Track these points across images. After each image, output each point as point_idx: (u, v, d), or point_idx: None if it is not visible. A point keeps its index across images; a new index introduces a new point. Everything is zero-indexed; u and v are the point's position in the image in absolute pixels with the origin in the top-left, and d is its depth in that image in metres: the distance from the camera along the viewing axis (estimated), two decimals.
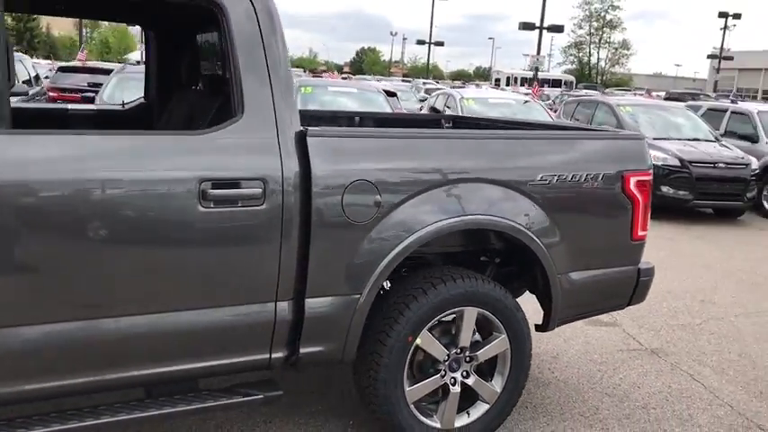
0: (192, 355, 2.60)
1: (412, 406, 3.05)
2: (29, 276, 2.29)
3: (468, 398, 3.20)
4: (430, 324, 3.01)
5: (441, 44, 53.50)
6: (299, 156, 2.64)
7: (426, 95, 21.48)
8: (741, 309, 5.82)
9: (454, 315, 3.08)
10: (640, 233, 3.47)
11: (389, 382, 2.96)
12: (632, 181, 3.38)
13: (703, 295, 6.14)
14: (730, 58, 53.47)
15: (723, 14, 49.89)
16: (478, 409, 3.22)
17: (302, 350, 2.77)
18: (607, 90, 46.71)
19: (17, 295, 2.27)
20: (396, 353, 2.94)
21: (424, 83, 40.00)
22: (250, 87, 2.61)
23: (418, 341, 3.00)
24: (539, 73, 36.19)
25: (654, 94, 35.83)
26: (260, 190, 2.55)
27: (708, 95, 43.13)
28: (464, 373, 3.16)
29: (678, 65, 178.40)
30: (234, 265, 2.58)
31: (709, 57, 56.02)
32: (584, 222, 3.33)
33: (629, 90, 50.95)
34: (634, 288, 3.57)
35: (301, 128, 2.69)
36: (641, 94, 32.08)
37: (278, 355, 2.74)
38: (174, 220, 2.45)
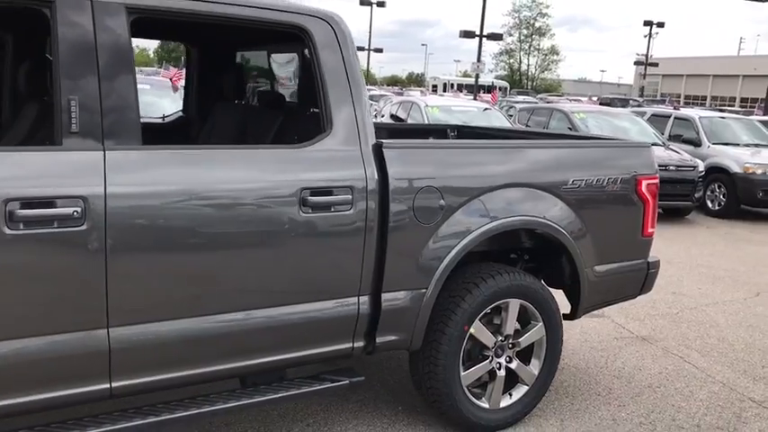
0: (289, 346, 2.87)
1: (465, 389, 3.40)
2: (171, 279, 2.55)
3: (511, 381, 3.56)
4: (481, 314, 3.36)
5: (380, 51, 54.12)
6: (377, 165, 2.96)
7: (373, 102, 21.78)
8: (709, 299, 6.38)
9: (500, 306, 3.43)
10: (650, 230, 3.91)
11: (448, 367, 3.29)
12: (644, 184, 3.81)
13: (674, 288, 6.68)
14: (655, 65, 55.83)
15: (648, 23, 52.01)
16: (519, 391, 3.59)
17: (378, 340, 3.08)
18: (540, 95, 48.16)
19: (165, 295, 2.53)
20: (454, 341, 3.28)
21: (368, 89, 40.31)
22: (336, 104, 2.91)
23: (472, 330, 3.34)
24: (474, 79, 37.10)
25: (594, 99, 37.16)
26: (349, 196, 2.85)
27: (636, 100, 44.99)
28: (507, 358, 3.52)
29: (603, 70, 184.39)
30: (326, 264, 2.87)
31: (636, 63, 58.32)
32: (606, 220, 3.73)
33: (561, 95, 52.69)
34: (644, 279, 4.01)
35: (377, 140, 3.01)
36: (575, 100, 33.27)
37: (359, 344, 3.05)
38: (280, 226, 2.73)
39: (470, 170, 3.23)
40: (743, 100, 65.02)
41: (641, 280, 4.00)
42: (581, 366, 4.51)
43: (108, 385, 2.51)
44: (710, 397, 4.17)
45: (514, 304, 3.45)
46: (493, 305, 3.39)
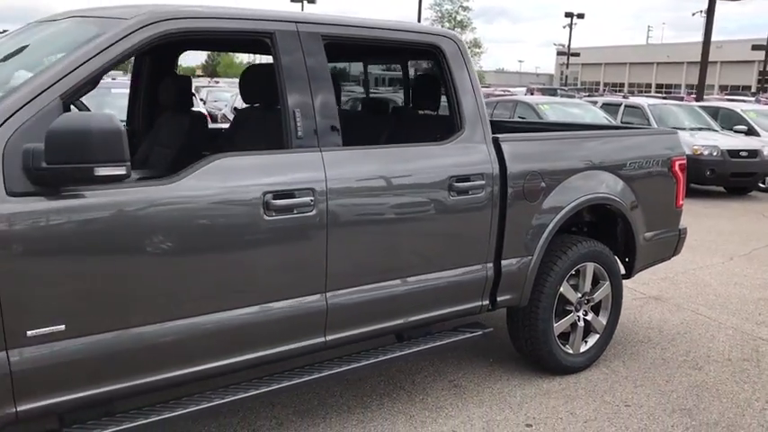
0: (436, 306, 3.53)
1: (556, 338, 4.13)
2: (367, 252, 3.17)
3: (586, 330, 4.31)
4: (567, 276, 4.09)
5: None
6: (497, 156, 3.64)
7: None
8: (694, 264, 7.32)
9: (580, 269, 4.17)
10: (681, 202, 4.73)
11: (546, 320, 4.02)
12: (676, 164, 4.62)
13: None
14: (577, 54, 58.12)
15: (569, 14, 54.15)
16: (593, 338, 4.35)
17: (498, 298, 3.78)
18: None
19: (364, 265, 3.14)
20: (549, 298, 4.00)
21: None
22: (466, 107, 3.58)
23: (561, 289, 4.07)
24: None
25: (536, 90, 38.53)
26: (482, 182, 3.53)
27: (563, 89, 46.86)
28: (584, 311, 4.27)
29: (521, 60, 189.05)
30: (465, 238, 3.54)
31: (559, 54, 60.46)
32: (651, 195, 4.51)
33: (489, 86, 54.26)
34: (677, 243, 4.84)
35: (494, 135, 3.69)
36: (505, 92, 34.55)
37: (485, 302, 3.74)
38: (436, 207, 3.38)
39: (562, 157, 3.95)
40: (658, 86, 68.36)
41: (675, 244, 4.83)
42: (619, 322, 5.31)
43: (323, 339, 3.12)
44: (729, 339, 5.03)
45: (590, 267, 4.20)
46: (575, 268, 4.12)
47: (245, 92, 3.71)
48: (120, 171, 2.29)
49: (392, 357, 3.43)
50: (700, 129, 13.44)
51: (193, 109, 4.28)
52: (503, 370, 4.28)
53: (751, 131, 13.80)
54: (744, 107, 15.49)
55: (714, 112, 14.74)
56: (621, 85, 71.70)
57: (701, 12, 75.44)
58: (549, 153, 3.92)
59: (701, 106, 15.07)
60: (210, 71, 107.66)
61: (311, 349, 3.11)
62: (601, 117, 13.32)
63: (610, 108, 14.33)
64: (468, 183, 3.49)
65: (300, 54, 3.03)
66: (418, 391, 3.95)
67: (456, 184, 3.44)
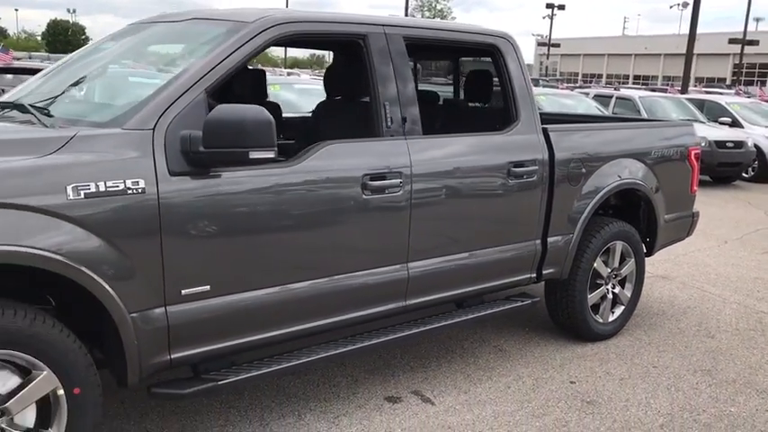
0: (494, 277, 3.99)
1: (590, 309, 4.61)
2: (439, 228, 3.61)
3: (613, 302, 4.80)
4: (600, 253, 4.57)
5: None
6: (546, 144, 4.09)
7: None
8: (693, 247, 7.85)
9: (610, 247, 4.65)
10: (695, 188, 5.23)
11: (582, 292, 4.50)
12: (692, 153, 5.12)
13: None
14: (557, 45, 58.79)
15: (550, 5, 54.77)
16: (619, 309, 4.84)
17: (544, 271, 4.25)
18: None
19: (437, 240, 3.59)
20: (585, 272, 4.48)
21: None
22: (520, 100, 4.02)
23: (595, 264, 4.55)
24: None
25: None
26: (535, 167, 3.99)
27: (544, 79, 47.50)
28: (613, 285, 4.76)
29: None
30: (521, 216, 4.00)
31: (539, 44, 61.09)
32: (670, 181, 4.99)
33: None
34: (690, 225, 5.34)
35: (544, 126, 4.14)
36: None
37: (533, 275, 4.20)
38: (497, 189, 3.83)
39: (599, 146, 4.42)
40: (636, 77, 69.36)
41: (689, 226, 5.33)
42: None
43: (404, 303, 3.56)
44: (734, 312, 5.56)
45: (619, 245, 4.69)
46: (606, 246, 4.60)
47: (329, 86, 4.12)
48: (270, 154, 2.70)
49: (458, 321, 3.89)
50: (687, 120, 14.02)
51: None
52: (539, 337, 4.76)
53: (735, 123, 14.43)
54: (728, 100, 16.12)
55: (700, 105, 15.35)
56: (600, 75, 72.70)
57: (679, 5, 76.38)
58: (587, 142, 4.38)
59: (687, 98, 15.68)
60: None
61: (394, 312, 3.55)
62: (593, 108, 13.86)
63: (601, 99, 14.87)
64: (524, 168, 3.94)
65: (388, 53, 3.45)
66: (468, 354, 4.41)
67: (514, 168, 3.88)
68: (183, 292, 2.77)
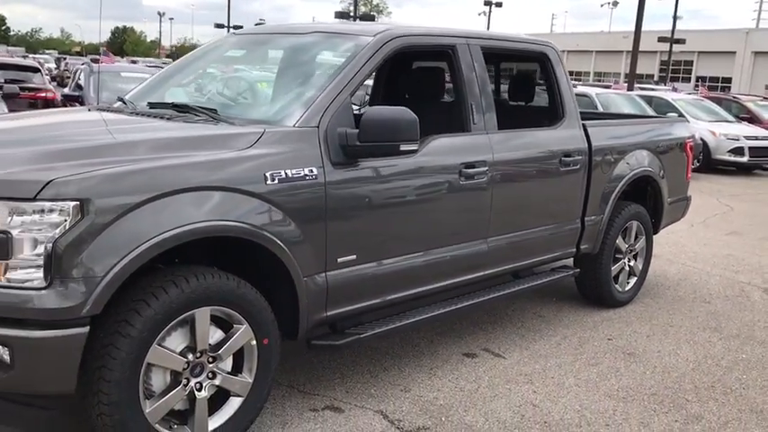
0: (548, 250, 4.69)
1: (612, 279, 5.36)
2: (508, 208, 4.27)
3: (629, 274, 5.57)
4: (621, 230, 5.33)
5: (240, 27, 53.98)
6: (585, 137, 4.81)
7: None
8: (666, 230, 8.71)
9: (628, 225, 5.41)
10: (689, 176, 6.07)
11: (607, 264, 5.25)
12: (688, 145, 5.94)
13: None
14: None
15: (488, 2, 56.10)
16: (633, 280, 5.62)
17: (581, 247, 4.97)
18: None
19: (504, 219, 4.26)
20: (610, 248, 5.23)
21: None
22: (566, 100, 4.73)
23: (617, 241, 5.30)
24: None
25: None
26: (579, 157, 4.70)
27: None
28: (629, 258, 5.53)
29: None
30: (568, 198, 4.72)
31: None
32: (672, 168, 5.80)
33: None
34: (685, 207, 6.18)
35: (582, 122, 4.86)
36: None
37: (573, 250, 4.92)
38: (552, 177, 4.53)
39: (624, 138, 5.18)
40: (569, 73, 71.36)
41: (684, 208, 6.18)
42: None
43: (485, 272, 4.22)
44: (718, 283, 6.43)
45: (635, 224, 5.47)
46: (625, 225, 5.36)
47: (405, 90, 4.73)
48: (415, 146, 3.32)
49: (517, 290, 4.58)
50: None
51: None
52: (568, 306, 5.49)
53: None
54: (674, 96, 17.35)
55: (649, 101, 16.50)
56: None
57: (609, 3, 78.82)
58: (615, 135, 5.12)
59: (637, 95, 16.82)
60: (117, 48, 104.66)
61: (476, 280, 4.20)
62: None
63: None
64: (571, 157, 4.65)
65: (471, 61, 4.10)
66: (516, 320, 5.10)
67: (564, 158, 4.59)
68: (338, 260, 3.36)
